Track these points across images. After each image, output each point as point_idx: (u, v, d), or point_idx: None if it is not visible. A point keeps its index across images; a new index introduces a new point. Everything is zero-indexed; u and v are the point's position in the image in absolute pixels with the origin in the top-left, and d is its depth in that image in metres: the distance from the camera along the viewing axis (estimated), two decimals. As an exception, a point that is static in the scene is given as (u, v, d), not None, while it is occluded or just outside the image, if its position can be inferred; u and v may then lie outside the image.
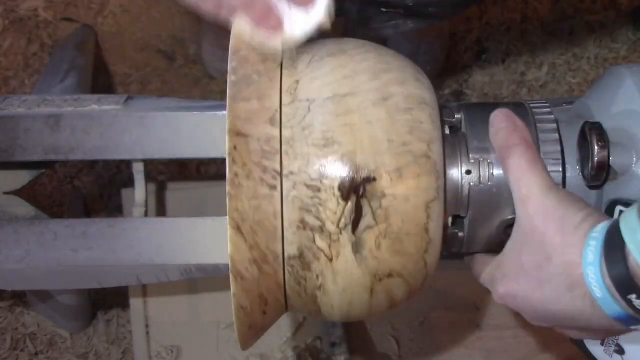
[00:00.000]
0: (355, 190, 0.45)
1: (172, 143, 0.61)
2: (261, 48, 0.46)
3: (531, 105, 0.52)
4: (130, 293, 0.90)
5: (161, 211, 0.86)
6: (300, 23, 0.45)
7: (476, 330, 0.91)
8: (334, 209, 0.45)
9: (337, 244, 0.45)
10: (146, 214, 0.64)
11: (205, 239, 0.59)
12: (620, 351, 0.51)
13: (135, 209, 0.64)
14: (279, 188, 0.45)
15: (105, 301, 1.03)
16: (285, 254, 0.46)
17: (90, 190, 1.07)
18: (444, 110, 0.53)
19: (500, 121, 0.50)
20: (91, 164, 1.06)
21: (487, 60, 1.14)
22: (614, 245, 0.41)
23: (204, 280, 0.87)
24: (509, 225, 0.49)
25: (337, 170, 0.45)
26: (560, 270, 0.44)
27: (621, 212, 0.47)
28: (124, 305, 1.00)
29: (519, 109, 0.51)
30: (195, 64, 1.11)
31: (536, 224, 0.46)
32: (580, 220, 0.44)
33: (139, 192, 0.64)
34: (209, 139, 0.60)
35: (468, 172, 0.50)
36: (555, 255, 0.44)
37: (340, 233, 0.45)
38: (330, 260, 0.46)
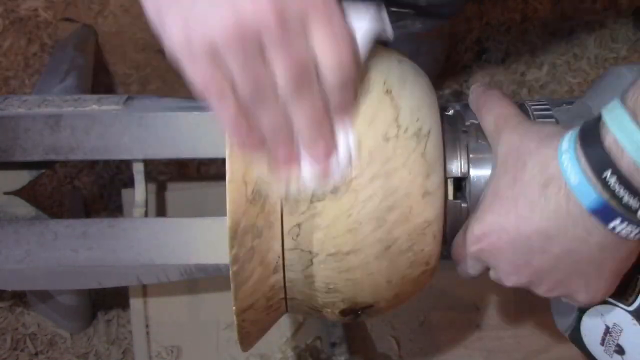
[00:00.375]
0: (354, 312, 0.50)
1: (172, 143, 0.61)
2: (270, 186, 0.44)
3: (531, 105, 0.52)
4: (130, 293, 0.90)
5: (161, 211, 0.86)
6: (313, 176, 0.43)
7: (476, 330, 0.90)
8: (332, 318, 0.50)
9: None
10: (146, 214, 0.64)
11: (205, 239, 0.59)
12: (620, 351, 0.51)
13: (135, 209, 0.64)
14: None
15: (105, 301, 1.03)
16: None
17: (90, 190, 1.07)
18: (443, 110, 0.53)
19: (477, 86, 0.53)
20: (91, 164, 1.06)
21: (487, 60, 1.14)
22: (590, 130, 0.41)
23: (204, 280, 0.87)
24: None
25: (336, 306, 0.49)
26: (535, 172, 0.43)
27: None
28: (124, 305, 1.00)
29: (519, 109, 0.51)
30: (195, 64, 1.10)
31: (511, 141, 0.46)
32: (556, 129, 0.44)
33: (139, 192, 0.64)
34: (209, 139, 0.60)
35: (465, 131, 0.52)
36: (529, 160, 0.44)
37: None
38: None
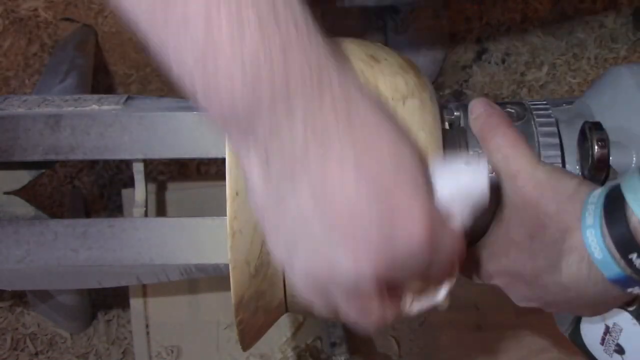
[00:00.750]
0: None
1: (172, 143, 0.61)
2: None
3: (531, 105, 0.52)
4: (130, 293, 0.90)
5: (161, 211, 0.86)
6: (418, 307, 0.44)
7: (476, 330, 0.90)
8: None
9: None
10: (146, 214, 0.64)
11: (205, 239, 0.59)
12: (620, 351, 0.51)
13: (135, 209, 0.64)
14: None
15: (105, 301, 1.03)
16: None
17: (90, 190, 1.07)
18: (444, 110, 0.53)
19: (478, 107, 0.50)
20: (91, 164, 1.06)
21: (487, 60, 1.14)
22: (614, 206, 0.41)
23: (204, 280, 0.87)
24: None
25: None
26: (557, 237, 0.43)
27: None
28: (124, 305, 1.00)
29: (519, 109, 0.51)
30: (195, 64, 1.10)
31: (528, 195, 0.45)
32: (575, 188, 0.44)
33: (139, 192, 0.64)
34: (209, 139, 0.60)
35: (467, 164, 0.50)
36: (550, 224, 0.44)
37: None
38: None
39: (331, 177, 0.34)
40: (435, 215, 0.36)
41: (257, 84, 0.33)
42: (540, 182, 0.45)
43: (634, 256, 0.40)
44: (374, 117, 0.35)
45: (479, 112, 0.50)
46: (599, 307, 0.48)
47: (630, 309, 0.49)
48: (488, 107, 0.50)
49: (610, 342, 0.51)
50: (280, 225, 0.36)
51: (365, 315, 0.39)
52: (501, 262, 0.47)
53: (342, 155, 0.34)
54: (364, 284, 0.36)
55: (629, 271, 0.41)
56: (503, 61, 1.14)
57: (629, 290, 0.43)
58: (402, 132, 0.37)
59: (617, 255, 0.41)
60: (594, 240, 0.42)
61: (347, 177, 0.34)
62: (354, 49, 0.48)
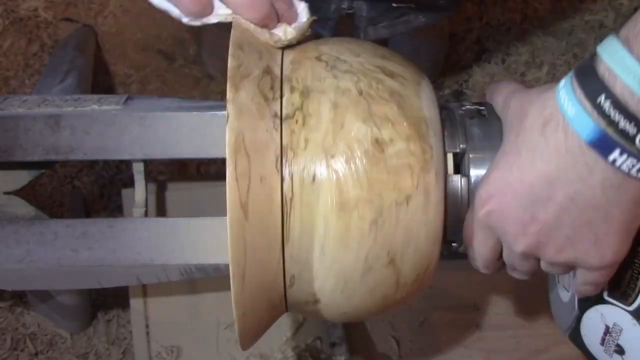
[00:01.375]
0: None
1: (172, 143, 0.61)
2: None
3: (531, 105, 0.52)
4: (130, 293, 0.90)
5: (161, 211, 0.86)
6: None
7: (476, 330, 0.91)
8: None
9: None
10: (146, 214, 0.64)
11: (205, 239, 0.59)
12: (620, 351, 0.51)
13: (135, 209, 0.64)
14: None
15: (105, 301, 1.03)
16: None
17: (90, 190, 1.07)
18: (443, 110, 0.53)
19: (490, 85, 0.53)
20: (91, 164, 1.06)
21: (487, 60, 1.14)
22: (585, 64, 0.42)
23: (204, 280, 0.87)
24: None
25: None
26: (535, 115, 0.44)
27: None
28: (124, 305, 1.00)
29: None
30: (195, 64, 1.11)
31: (516, 105, 0.47)
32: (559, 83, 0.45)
33: (139, 192, 0.64)
34: (209, 139, 0.60)
35: (462, 107, 0.53)
36: (530, 108, 0.44)
37: None
38: None
39: None
40: None
41: None
42: (529, 90, 0.47)
43: (601, 98, 0.40)
44: None
45: (492, 85, 0.53)
46: (596, 224, 0.44)
47: (630, 308, 0.50)
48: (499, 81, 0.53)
49: (610, 342, 0.51)
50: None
51: None
52: (490, 178, 0.46)
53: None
54: None
55: (602, 123, 0.40)
56: (503, 61, 1.14)
57: (611, 157, 0.41)
58: None
59: (588, 104, 0.40)
60: (565, 97, 0.42)
61: None
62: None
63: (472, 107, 0.53)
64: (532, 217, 0.45)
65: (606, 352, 0.52)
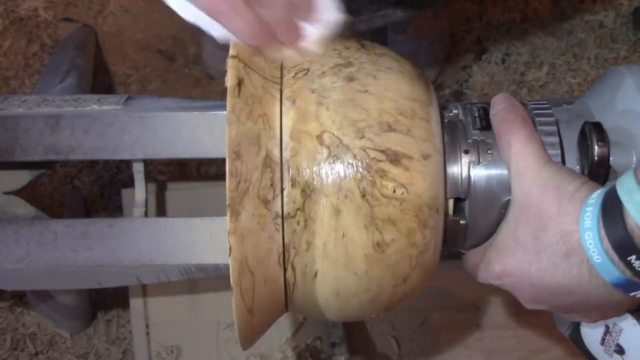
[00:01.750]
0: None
1: (172, 143, 0.61)
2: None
3: (531, 105, 0.52)
4: (130, 293, 0.90)
5: (161, 211, 0.86)
6: (314, 36, 0.47)
7: (476, 330, 0.90)
8: None
9: None
10: (146, 214, 0.64)
11: (205, 239, 0.59)
12: (620, 351, 0.51)
13: (135, 209, 0.64)
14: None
15: (105, 301, 1.03)
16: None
17: (90, 190, 1.07)
18: (444, 110, 0.53)
19: (500, 102, 0.51)
20: (91, 164, 1.06)
21: (487, 60, 1.14)
22: (611, 208, 0.41)
23: (204, 280, 0.87)
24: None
25: None
26: (557, 239, 0.44)
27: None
28: (124, 305, 1.00)
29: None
30: (195, 64, 1.11)
31: (532, 195, 0.46)
32: (576, 188, 0.44)
33: (139, 192, 0.64)
34: (209, 139, 0.60)
35: (466, 152, 0.50)
36: (551, 224, 0.44)
37: None
38: None
39: None
40: None
41: None
42: (545, 182, 0.45)
43: (632, 258, 0.40)
44: None
45: (499, 107, 0.50)
46: (606, 311, 0.48)
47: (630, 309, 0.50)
48: (509, 103, 0.50)
49: (610, 342, 0.51)
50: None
51: None
52: (508, 262, 0.47)
53: None
54: None
55: (629, 274, 0.41)
56: (503, 61, 1.14)
57: (632, 294, 0.43)
58: None
59: (616, 258, 0.41)
60: (592, 243, 0.42)
61: None
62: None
63: (479, 140, 0.51)
64: (546, 301, 0.47)
65: (606, 352, 0.52)
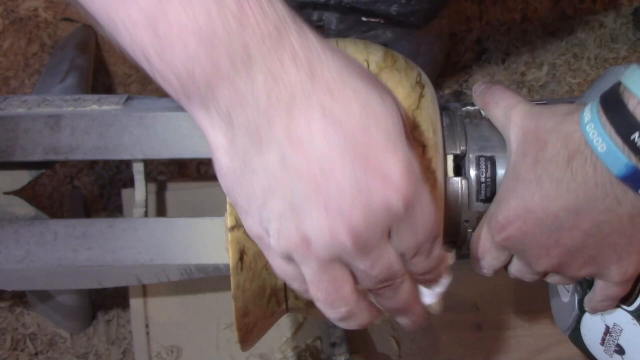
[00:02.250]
0: None
1: (172, 143, 0.61)
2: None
3: (531, 105, 0.52)
4: (130, 293, 0.90)
5: (161, 211, 0.86)
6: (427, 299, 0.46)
7: (476, 330, 0.90)
8: None
9: None
10: (146, 214, 0.64)
11: (205, 239, 0.59)
12: (620, 351, 0.51)
13: (135, 209, 0.64)
14: None
15: (105, 301, 1.03)
16: None
17: (90, 190, 1.07)
18: (443, 111, 0.53)
19: (479, 85, 0.52)
20: (91, 164, 1.06)
21: (487, 60, 1.14)
22: (611, 100, 0.41)
23: (204, 280, 0.87)
24: None
25: None
26: (558, 148, 0.43)
27: None
28: (124, 305, 1.00)
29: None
30: (195, 64, 1.10)
31: (526, 125, 0.46)
32: (570, 109, 0.44)
33: (139, 192, 0.64)
34: (209, 139, 0.60)
35: (461, 108, 0.53)
36: (550, 137, 0.43)
37: None
38: None
39: (297, 134, 0.33)
40: (412, 168, 0.35)
41: (213, 46, 0.32)
42: (538, 110, 0.46)
43: (635, 136, 0.39)
44: (341, 73, 0.34)
45: (480, 87, 0.52)
46: (620, 251, 0.44)
47: (630, 308, 0.50)
48: (488, 83, 0.52)
49: (610, 342, 0.51)
50: (250, 195, 0.35)
51: (338, 300, 0.37)
52: (509, 205, 0.45)
53: (307, 111, 0.33)
54: (339, 250, 0.35)
55: (635, 159, 0.39)
56: (503, 61, 1.14)
57: None
58: (377, 88, 0.36)
59: (620, 141, 0.40)
60: (594, 132, 0.41)
61: (315, 130, 0.33)
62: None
63: (472, 109, 0.52)
64: (557, 242, 0.45)
65: (606, 352, 0.52)
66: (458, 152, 0.50)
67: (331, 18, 0.74)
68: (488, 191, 0.49)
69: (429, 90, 0.50)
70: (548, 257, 0.46)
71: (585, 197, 0.42)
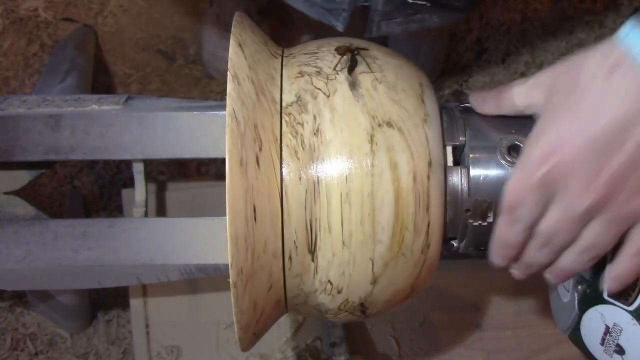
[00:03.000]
0: (351, 50, 0.49)
1: (172, 143, 0.61)
2: None
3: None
4: (130, 293, 0.90)
5: (161, 211, 0.86)
6: None
7: (476, 330, 0.90)
8: (330, 59, 0.48)
9: (333, 82, 0.47)
10: (146, 214, 0.64)
11: (205, 239, 0.59)
12: (620, 351, 0.51)
13: (135, 209, 0.64)
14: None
15: (105, 301, 1.03)
16: (283, 103, 0.47)
17: (90, 190, 1.07)
18: (443, 110, 0.53)
19: (476, 94, 0.52)
20: (91, 164, 1.06)
21: (487, 60, 1.14)
22: None
23: (204, 280, 0.87)
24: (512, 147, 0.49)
25: (332, 43, 0.50)
26: (596, 65, 0.42)
27: None
28: (124, 305, 1.00)
29: None
30: (195, 64, 1.10)
31: (556, 69, 0.45)
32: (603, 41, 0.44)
33: (139, 192, 0.64)
34: (209, 139, 0.60)
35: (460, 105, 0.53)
36: (586, 60, 0.43)
37: (337, 74, 0.47)
38: (327, 96, 0.47)
39: None
40: None
41: None
42: (571, 58, 0.45)
43: None
44: None
45: (480, 96, 0.51)
46: None
47: (630, 308, 0.49)
48: (483, 91, 0.51)
49: (610, 342, 0.51)
50: None
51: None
52: (548, 137, 0.43)
53: None
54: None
55: None
56: (503, 61, 1.14)
57: None
58: None
59: None
60: (636, 41, 0.40)
61: None
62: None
63: (470, 105, 0.52)
64: (601, 168, 0.42)
65: (606, 352, 0.52)
66: (457, 143, 0.50)
67: None
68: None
69: (435, 233, 0.49)
70: (591, 191, 0.42)
71: (628, 109, 0.40)
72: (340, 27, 0.69)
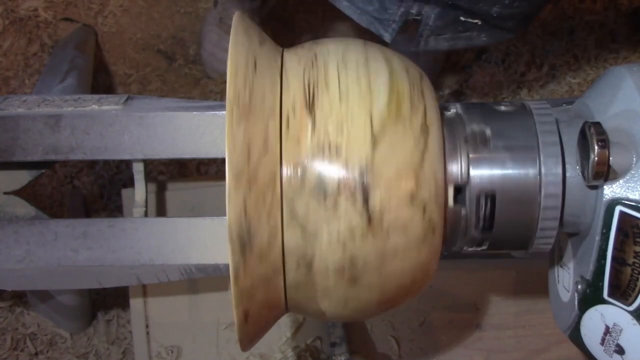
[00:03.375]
0: None
1: (172, 143, 0.61)
2: None
3: (531, 105, 0.52)
4: (130, 293, 0.90)
5: (161, 211, 0.86)
6: None
7: (476, 330, 0.90)
8: None
9: None
10: (146, 214, 0.64)
11: (205, 239, 0.59)
12: (620, 351, 0.51)
13: (135, 209, 0.64)
14: None
15: (105, 301, 1.03)
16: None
17: (90, 190, 1.07)
18: (443, 110, 0.53)
19: None
20: (91, 164, 1.06)
21: (487, 60, 1.14)
22: None
23: (204, 280, 0.87)
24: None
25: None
26: None
27: (621, 212, 0.47)
28: (124, 305, 1.00)
29: (520, 109, 0.51)
30: (195, 64, 1.11)
31: None
32: None
33: (139, 192, 0.64)
34: (209, 139, 0.60)
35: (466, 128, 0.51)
36: None
37: None
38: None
39: None
40: None
41: None
42: None
43: None
44: None
45: None
46: None
47: (630, 308, 0.50)
48: None
49: (610, 342, 0.51)
50: None
51: None
52: None
53: None
54: None
55: None
56: (503, 61, 1.14)
57: None
58: None
59: None
60: None
61: None
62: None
63: (477, 129, 0.50)
64: None
65: (606, 352, 0.52)
66: (460, 182, 0.49)
67: (430, 13, 0.72)
68: (487, 223, 0.49)
69: (434, 130, 0.48)
70: None
71: None
72: (388, 37, 0.68)
